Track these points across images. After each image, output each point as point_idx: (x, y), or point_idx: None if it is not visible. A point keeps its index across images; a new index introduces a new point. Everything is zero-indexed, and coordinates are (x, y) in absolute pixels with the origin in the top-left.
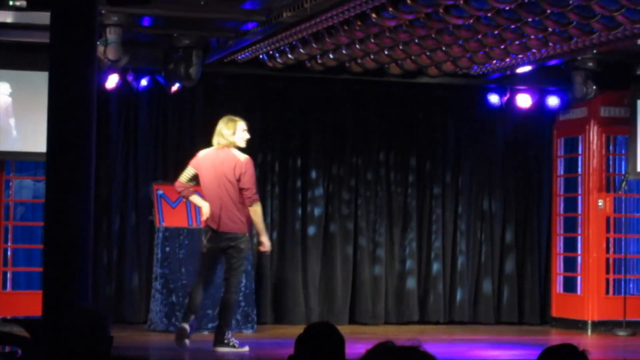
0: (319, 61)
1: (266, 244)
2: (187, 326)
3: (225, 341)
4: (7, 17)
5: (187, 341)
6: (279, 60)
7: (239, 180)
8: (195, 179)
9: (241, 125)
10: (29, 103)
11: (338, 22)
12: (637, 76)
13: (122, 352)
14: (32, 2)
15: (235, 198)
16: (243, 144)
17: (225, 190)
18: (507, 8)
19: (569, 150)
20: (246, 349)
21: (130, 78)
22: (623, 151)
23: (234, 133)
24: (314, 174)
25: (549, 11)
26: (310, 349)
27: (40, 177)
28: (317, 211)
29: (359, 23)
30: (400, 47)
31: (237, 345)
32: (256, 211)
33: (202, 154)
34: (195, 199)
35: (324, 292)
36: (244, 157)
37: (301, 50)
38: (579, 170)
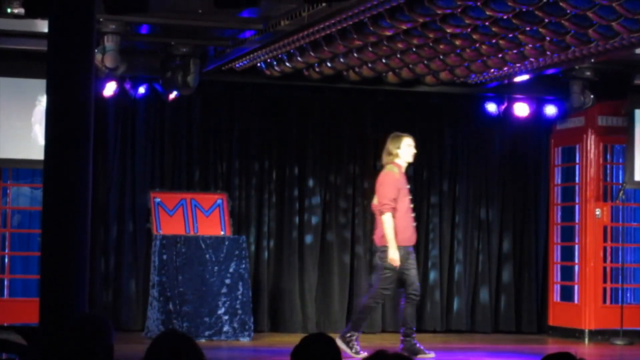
0: (317, 70)
1: (390, 256)
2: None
3: (347, 340)
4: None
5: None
6: (276, 68)
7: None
8: None
9: (407, 140)
10: None
11: (335, 30)
12: (635, 85)
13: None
14: (30, 9)
15: (377, 211)
16: (410, 159)
17: (374, 205)
18: (504, 17)
19: (567, 160)
20: (362, 355)
21: (127, 86)
22: (620, 160)
23: (398, 148)
24: (311, 183)
25: (546, 20)
26: None
27: (37, 185)
28: (314, 220)
29: (356, 32)
30: (398, 55)
31: (355, 350)
32: (384, 222)
33: None
34: None
35: (321, 300)
36: (385, 170)
37: (299, 59)
38: (577, 179)
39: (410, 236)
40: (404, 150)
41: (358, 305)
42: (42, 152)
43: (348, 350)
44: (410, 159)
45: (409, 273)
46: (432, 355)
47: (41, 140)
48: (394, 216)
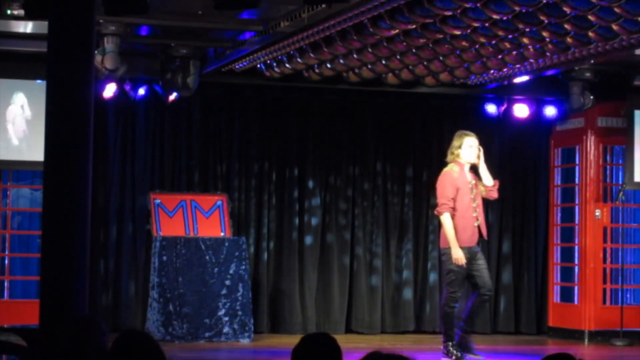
0: (316, 71)
1: (454, 257)
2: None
3: (447, 351)
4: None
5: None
6: (276, 69)
7: None
8: None
9: (468, 140)
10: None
11: (335, 32)
12: (634, 87)
13: None
14: (30, 11)
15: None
16: (470, 159)
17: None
18: (504, 18)
19: (566, 161)
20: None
21: (127, 87)
22: (620, 161)
23: (459, 147)
24: (311, 184)
25: (545, 21)
26: None
27: (37, 186)
28: (314, 221)
29: (355, 34)
30: (398, 57)
31: (456, 356)
32: (443, 223)
33: None
34: None
35: (321, 301)
36: (444, 169)
37: (298, 60)
38: (576, 180)
39: (470, 236)
40: (465, 150)
41: (439, 315)
42: (18, 152)
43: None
44: (472, 160)
45: (480, 274)
46: (480, 357)
47: (15, 140)
48: (453, 216)
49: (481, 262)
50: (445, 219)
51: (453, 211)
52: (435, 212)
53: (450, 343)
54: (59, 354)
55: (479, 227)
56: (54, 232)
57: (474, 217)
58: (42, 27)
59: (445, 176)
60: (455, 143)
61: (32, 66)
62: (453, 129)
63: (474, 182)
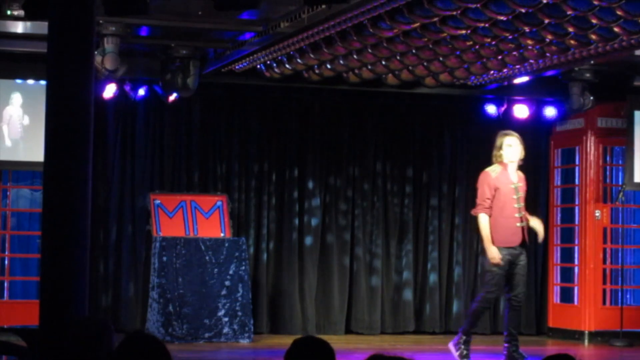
0: (316, 71)
1: (489, 256)
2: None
3: (456, 344)
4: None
5: None
6: (276, 70)
7: None
8: None
9: (507, 139)
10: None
11: (335, 32)
12: (634, 87)
13: None
14: (30, 11)
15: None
16: (512, 158)
17: None
18: (505, 19)
19: (566, 161)
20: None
21: (127, 88)
22: (620, 162)
23: (500, 147)
24: (310, 185)
25: (546, 22)
26: None
27: (37, 187)
28: (314, 221)
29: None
30: (397, 57)
31: (461, 353)
32: (479, 223)
33: None
34: None
35: (321, 302)
36: (486, 169)
37: (298, 61)
38: (576, 181)
39: (510, 236)
40: (505, 150)
41: (469, 310)
42: (10, 153)
43: (456, 354)
44: (514, 158)
45: (515, 278)
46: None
47: (7, 141)
48: (490, 215)
49: (520, 267)
50: (481, 219)
51: (490, 211)
52: (472, 213)
53: (464, 338)
54: (67, 355)
55: (522, 229)
56: (54, 232)
57: (516, 218)
58: (41, 27)
59: (483, 176)
60: (496, 144)
61: (29, 66)
62: (453, 129)
63: (520, 184)
